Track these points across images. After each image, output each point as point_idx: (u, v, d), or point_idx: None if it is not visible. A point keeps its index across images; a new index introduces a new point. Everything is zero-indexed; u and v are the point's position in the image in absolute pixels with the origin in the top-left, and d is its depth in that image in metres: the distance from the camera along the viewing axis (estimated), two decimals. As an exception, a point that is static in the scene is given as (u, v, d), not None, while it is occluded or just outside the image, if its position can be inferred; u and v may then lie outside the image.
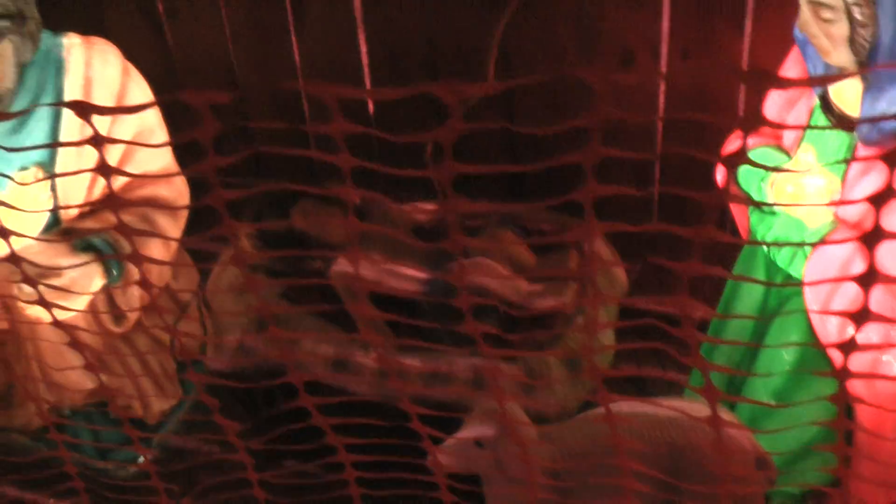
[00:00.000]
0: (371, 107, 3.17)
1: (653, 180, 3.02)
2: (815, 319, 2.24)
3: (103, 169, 1.28)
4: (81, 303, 2.43)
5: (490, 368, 1.48)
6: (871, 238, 1.07)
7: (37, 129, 2.38)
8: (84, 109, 1.25)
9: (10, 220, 1.47)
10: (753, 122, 1.04)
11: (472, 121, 1.17)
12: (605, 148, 1.08)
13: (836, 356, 2.23)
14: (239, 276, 2.72)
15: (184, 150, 2.59)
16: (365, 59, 3.10)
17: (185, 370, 2.74)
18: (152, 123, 2.48)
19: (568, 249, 2.71)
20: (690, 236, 1.11)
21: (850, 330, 1.19)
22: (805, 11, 2.08)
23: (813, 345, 2.29)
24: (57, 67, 2.39)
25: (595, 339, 1.31)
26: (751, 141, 2.40)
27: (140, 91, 2.46)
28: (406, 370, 2.42)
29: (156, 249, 2.49)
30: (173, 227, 2.54)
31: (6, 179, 2.32)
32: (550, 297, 2.57)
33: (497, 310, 2.48)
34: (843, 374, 1.22)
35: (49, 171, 2.40)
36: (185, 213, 2.56)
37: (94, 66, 2.41)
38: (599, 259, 2.71)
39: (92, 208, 2.49)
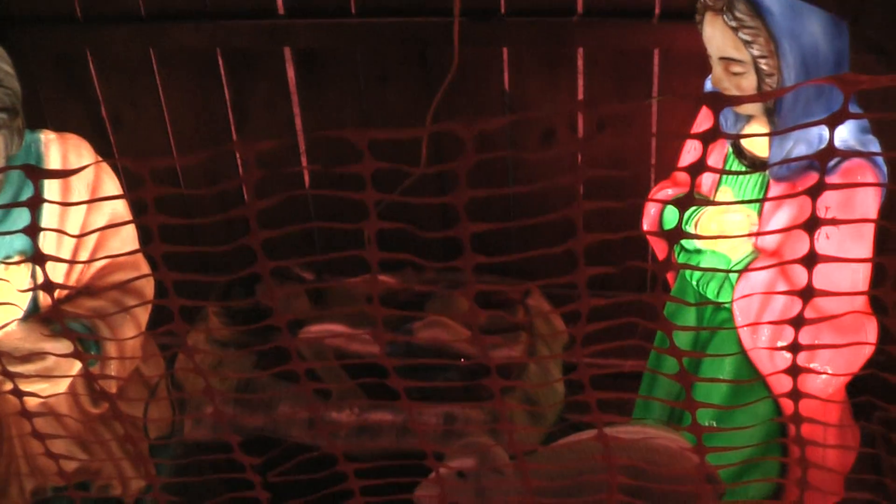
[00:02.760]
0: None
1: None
2: (745, 337, 2.48)
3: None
4: (63, 385, 2.56)
5: (460, 411, 1.65)
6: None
7: (20, 220, 2.52)
8: (34, 172, 1.44)
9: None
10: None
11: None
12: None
13: (764, 366, 2.47)
14: (210, 352, 2.88)
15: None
16: (303, 149, 3.32)
17: (157, 450, 2.89)
18: (122, 214, 2.64)
19: (514, 306, 2.93)
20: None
21: (780, 342, 1.38)
22: (717, 68, 2.35)
23: (745, 360, 2.52)
24: (37, 161, 2.53)
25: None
26: (671, 191, 2.66)
27: (112, 182, 2.62)
28: (380, 425, 2.59)
29: (129, 331, 2.64)
30: (142, 311, 2.70)
31: (-9, 270, 2.47)
32: (505, 347, 2.78)
33: (457, 364, 2.67)
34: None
35: (30, 261, 2.54)
36: (151, 299, 2.71)
37: (70, 160, 2.56)
38: (540, 310, 2.94)
39: (68, 296, 2.63)
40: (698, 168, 1.28)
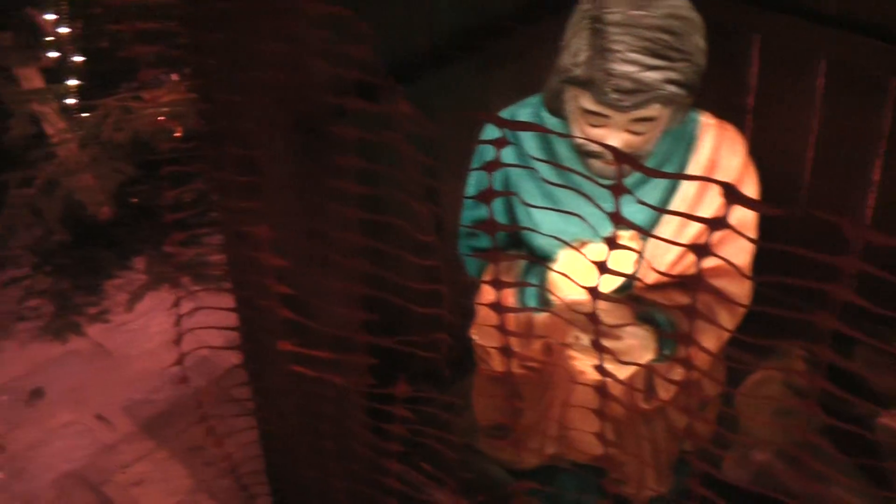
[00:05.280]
0: None
1: None
2: None
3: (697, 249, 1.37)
4: (628, 370, 2.43)
5: None
6: None
7: (649, 197, 2.40)
8: (733, 195, 1.26)
9: (592, 276, 1.58)
10: None
11: None
12: None
13: None
14: (783, 393, 2.67)
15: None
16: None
17: (681, 465, 2.72)
18: (749, 221, 2.46)
19: None
20: None
21: None
22: None
23: None
24: (688, 142, 2.40)
25: None
26: None
27: (752, 188, 2.44)
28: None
29: (708, 341, 2.46)
30: (729, 324, 2.51)
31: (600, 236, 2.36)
32: None
33: None
34: None
35: (645, 240, 2.41)
36: (741, 315, 2.52)
37: (721, 152, 2.41)
38: None
39: (660, 284, 2.49)
40: None
